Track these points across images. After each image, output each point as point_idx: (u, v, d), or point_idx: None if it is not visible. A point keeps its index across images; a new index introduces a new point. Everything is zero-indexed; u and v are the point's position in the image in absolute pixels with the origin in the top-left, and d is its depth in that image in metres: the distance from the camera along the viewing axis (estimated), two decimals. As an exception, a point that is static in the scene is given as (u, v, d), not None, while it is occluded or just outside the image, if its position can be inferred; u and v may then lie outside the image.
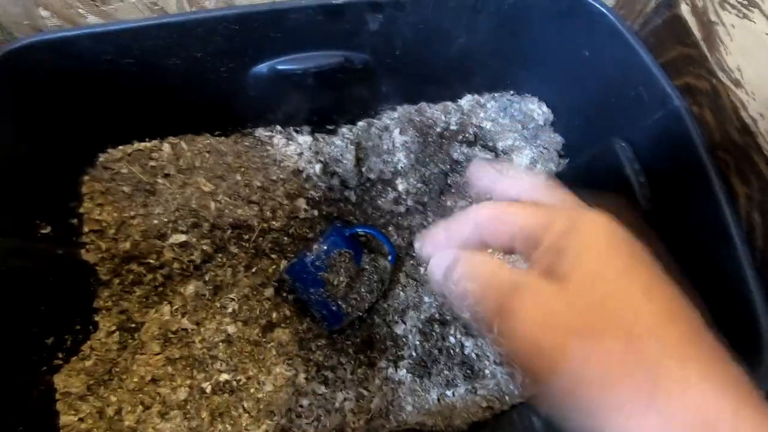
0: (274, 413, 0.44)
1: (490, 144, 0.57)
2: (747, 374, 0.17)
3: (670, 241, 0.40)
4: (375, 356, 0.49)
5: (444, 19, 0.46)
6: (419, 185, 0.55)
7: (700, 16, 0.45)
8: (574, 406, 0.18)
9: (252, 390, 0.45)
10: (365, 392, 0.47)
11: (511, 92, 0.57)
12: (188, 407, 0.41)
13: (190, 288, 0.48)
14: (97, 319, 0.43)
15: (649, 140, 0.42)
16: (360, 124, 0.56)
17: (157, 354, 0.43)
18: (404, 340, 0.49)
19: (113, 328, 0.43)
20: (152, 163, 0.49)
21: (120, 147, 0.48)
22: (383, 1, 0.42)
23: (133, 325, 0.45)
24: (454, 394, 0.45)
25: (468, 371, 0.47)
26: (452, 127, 0.56)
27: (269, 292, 0.51)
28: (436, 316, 0.50)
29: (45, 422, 0.37)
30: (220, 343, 0.46)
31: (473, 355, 0.47)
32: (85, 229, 0.45)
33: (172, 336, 0.45)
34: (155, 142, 0.49)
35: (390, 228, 0.55)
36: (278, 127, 0.54)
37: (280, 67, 0.45)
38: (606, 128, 0.47)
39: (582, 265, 0.19)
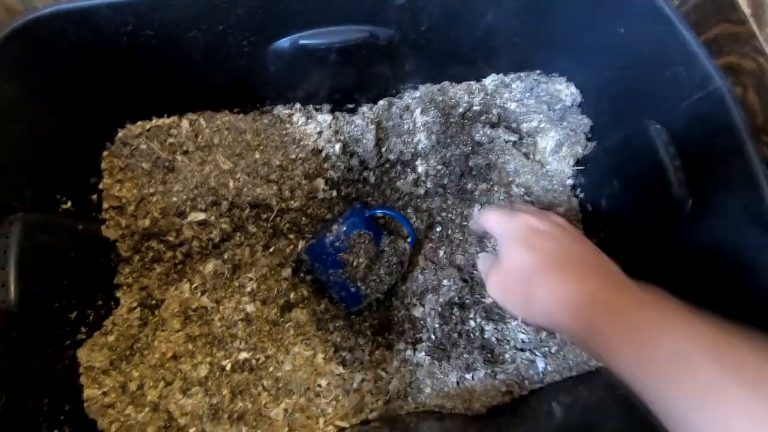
0: (292, 392, 0.44)
1: (514, 125, 0.55)
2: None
3: (709, 235, 0.39)
4: (393, 338, 0.49)
5: (472, -7, 0.44)
6: (439, 167, 0.54)
7: (747, -9, 0.42)
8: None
9: (271, 369, 0.45)
10: (383, 374, 0.46)
11: (538, 72, 0.55)
12: (209, 384, 0.42)
13: (209, 266, 0.48)
14: (118, 295, 0.44)
15: (687, 123, 0.41)
16: (381, 103, 0.54)
17: (177, 331, 0.43)
18: (423, 322, 0.49)
19: (134, 304, 0.43)
20: (171, 140, 0.48)
21: (139, 122, 0.47)
22: (411, -28, 0.41)
23: (154, 302, 0.45)
24: (473, 378, 0.45)
25: (488, 355, 0.46)
26: (475, 108, 0.55)
27: (287, 272, 0.51)
28: (456, 299, 0.49)
29: (69, 395, 0.38)
30: (239, 322, 0.46)
31: (493, 340, 0.47)
32: (105, 205, 0.45)
33: (192, 313, 0.45)
34: (174, 118, 0.48)
35: (409, 210, 0.54)
36: (298, 105, 0.52)
37: (303, 42, 0.43)
38: (639, 110, 0.45)
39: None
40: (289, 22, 0.43)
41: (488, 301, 0.48)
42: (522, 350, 0.46)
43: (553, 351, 0.46)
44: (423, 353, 0.47)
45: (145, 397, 0.40)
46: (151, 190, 0.47)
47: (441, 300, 0.50)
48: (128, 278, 0.44)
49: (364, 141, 0.52)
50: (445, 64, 0.53)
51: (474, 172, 0.55)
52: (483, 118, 0.55)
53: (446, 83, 0.55)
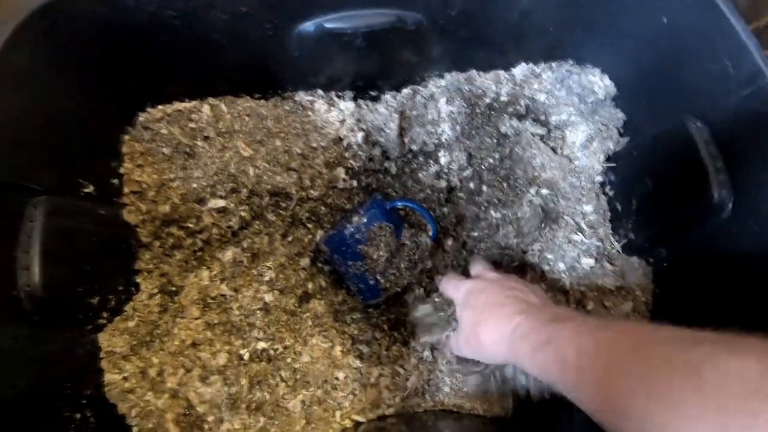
0: (310, 384, 0.44)
1: (542, 118, 0.53)
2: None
3: (750, 238, 0.37)
4: (410, 335, 0.48)
5: (507, -24, 0.42)
6: (463, 160, 0.52)
7: (802, -21, 0.39)
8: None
9: (289, 360, 0.44)
10: (401, 370, 0.46)
11: (571, 62, 0.52)
12: (228, 373, 0.41)
13: (228, 254, 0.47)
14: (138, 280, 0.43)
15: (732, 121, 0.38)
16: (405, 91, 0.53)
17: (196, 318, 0.43)
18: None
19: (155, 290, 0.43)
20: (192, 125, 0.47)
21: (160, 107, 0.46)
22: (444, -46, 0.39)
23: (174, 289, 0.45)
24: (492, 380, 0.44)
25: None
26: (502, 98, 0.53)
27: (305, 261, 0.50)
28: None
29: (91, 380, 0.38)
30: (258, 311, 0.46)
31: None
32: (126, 190, 0.44)
33: (211, 301, 0.45)
34: (195, 102, 0.48)
35: (431, 203, 0.53)
36: (320, 92, 0.51)
37: (328, 26, 0.42)
38: (678, 105, 0.43)
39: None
40: (314, 4, 0.41)
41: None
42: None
43: None
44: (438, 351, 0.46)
45: (164, 383, 0.40)
46: (172, 176, 0.46)
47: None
48: (149, 264, 0.44)
49: (387, 130, 0.51)
50: (473, 51, 0.51)
51: (498, 168, 0.53)
52: (510, 109, 0.53)
53: (473, 72, 0.53)
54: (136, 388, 0.39)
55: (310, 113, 0.50)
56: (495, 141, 0.52)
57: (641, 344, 0.26)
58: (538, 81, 0.53)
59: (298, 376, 0.43)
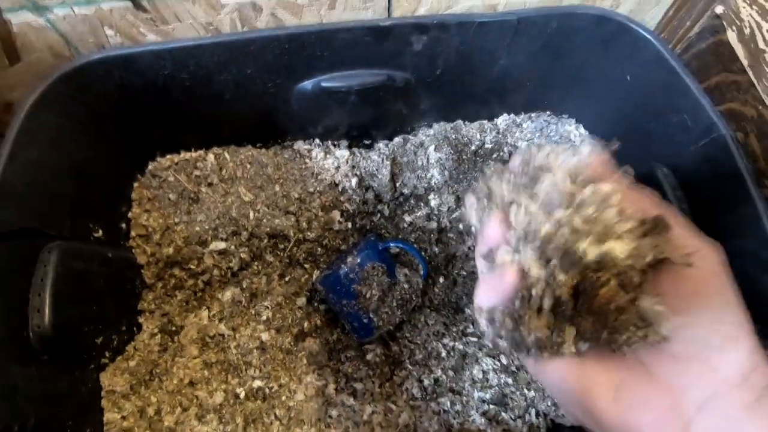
0: (304, 422, 0.45)
1: (525, 163, 0.57)
2: None
3: None
4: (403, 372, 0.50)
5: (486, 40, 0.46)
6: (452, 202, 0.55)
7: (747, 43, 0.44)
8: None
9: (283, 398, 0.45)
10: (393, 406, 0.47)
11: (548, 113, 0.57)
12: (223, 411, 0.42)
13: (228, 294, 0.49)
14: (141, 320, 0.45)
15: (693, 167, 0.42)
16: (396, 139, 0.57)
17: (195, 357, 0.45)
18: (434, 359, 0.49)
19: (156, 330, 0.45)
20: (197, 172, 0.51)
21: (168, 156, 0.50)
22: (429, 23, 0.44)
23: (174, 328, 0.47)
24: (482, 418, 0.45)
25: (498, 399, 0.46)
26: (487, 146, 0.57)
27: (302, 301, 0.52)
28: (463, 339, 0.50)
29: (91, 418, 0.39)
30: (254, 350, 0.47)
31: (502, 391, 0.47)
32: (133, 233, 0.47)
33: (209, 340, 0.47)
34: (201, 152, 0.51)
35: (422, 243, 0.56)
36: (317, 141, 0.55)
37: (324, 84, 0.46)
38: (647, 153, 0.47)
39: None
40: (312, 67, 0.46)
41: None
42: (530, 406, 0.46)
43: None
44: (431, 389, 0.47)
45: (162, 422, 0.41)
46: (176, 220, 0.49)
47: (451, 337, 0.50)
48: (151, 304, 0.46)
49: (380, 176, 0.54)
50: (458, 104, 0.55)
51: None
52: (495, 155, 0.57)
53: (459, 122, 0.57)
54: (134, 427, 0.40)
55: (307, 160, 0.54)
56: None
57: None
58: (519, 130, 0.57)
59: (293, 414, 0.44)
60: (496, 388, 0.47)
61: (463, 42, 0.46)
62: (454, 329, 0.52)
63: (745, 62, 0.44)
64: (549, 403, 0.46)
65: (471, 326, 0.52)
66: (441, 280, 0.55)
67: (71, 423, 0.37)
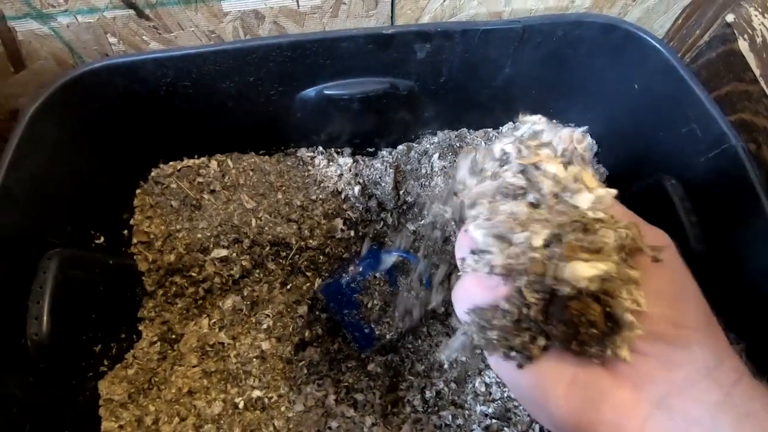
0: (303, 433, 0.44)
1: (530, 172, 0.56)
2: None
3: (723, 286, 0.38)
4: (404, 383, 0.49)
5: (490, 48, 0.46)
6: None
7: (759, 52, 0.43)
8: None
9: (283, 408, 0.45)
10: (394, 418, 0.46)
11: (554, 122, 0.56)
12: (222, 422, 0.42)
13: (228, 302, 0.49)
14: (140, 328, 0.45)
15: (702, 178, 0.41)
16: (400, 147, 0.56)
17: (194, 366, 0.44)
18: (436, 371, 0.49)
19: (155, 338, 0.45)
20: (199, 179, 0.51)
21: (171, 163, 0.50)
22: (432, 31, 0.43)
23: (174, 336, 0.46)
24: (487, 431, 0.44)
25: (501, 413, 0.45)
26: (492, 154, 0.56)
27: (303, 309, 0.52)
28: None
29: (88, 427, 0.39)
30: (254, 359, 0.47)
31: (505, 398, 0.46)
32: (134, 240, 0.47)
33: (209, 349, 0.46)
34: (203, 159, 0.51)
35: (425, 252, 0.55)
36: (320, 148, 0.55)
37: (327, 92, 0.46)
38: (655, 163, 0.46)
39: None
40: (315, 74, 0.45)
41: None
42: (534, 421, 0.45)
43: None
44: (433, 399, 0.47)
45: (159, 432, 0.41)
46: (178, 227, 0.49)
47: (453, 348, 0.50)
48: (151, 312, 0.46)
49: (383, 184, 0.54)
50: (463, 112, 0.55)
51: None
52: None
53: (464, 130, 0.57)
54: (131, 436, 0.40)
55: (310, 168, 0.54)
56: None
57: None
58: (525, 138, 0.56)
59: (292, 425, 0.44)
60: (499, 401, 0.46)
61: (467, 50, 0.45)
62: (457, 340, 0.51)
63: (756, 72, 0.43)
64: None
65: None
66: (444, 290, 0.54)
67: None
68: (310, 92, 0.47)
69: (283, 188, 0.53)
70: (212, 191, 0.51)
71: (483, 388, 0.47)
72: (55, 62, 0.44)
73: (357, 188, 0.53)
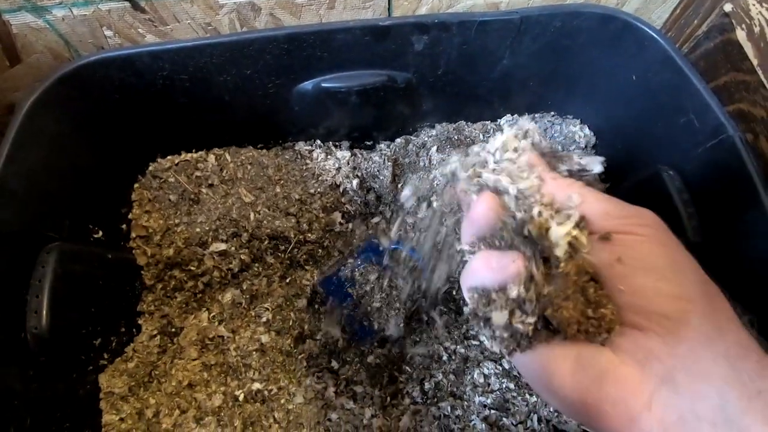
0: (303, 425, 0.44)
1: (528, 164, 0.56)
2: None
3: (720, 276, 0.38)
4: (403, 375, 0.49)
5: (488, 40, 0.46)
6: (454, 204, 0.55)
7: (757, 41, 0.43)
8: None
9: (282, 401, 0.45)
10: (394, 410, 0.46)
11: (552, 113, 0.56)
12: (222, 414, 0.42)
13: (228, 296, 0.49)
14: (140, 322, 0.45)
15: (700, 169, 0.41)
16: (398, 140, 0.56)
17: (194, 359, 0.45)
18: (435, 363, 0.49)
19: (155, 331, 0.45)
20: (198, 173, 0.51)
21: (169, 157, 0.50)
22: (429, 22, 0.43)
23: (173, 330, 0.46)
24: (483, 423, 0.44)
25: (499, 404, 0.46)
26: (490, 146, 0.56)
27: (302, 303, 0.52)
28: (464, 342, 0.49)
29: (89, 420, 0.39)
30: (254, 352, 0.47)
31: (504, 389, 0.47)
32: (133, 234, 0.47)
33: (209, 342, 0.46)
34: (201, 153, 0.51)
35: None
36: (318, 142, 0.55)
37: (324, 85, 0.46)
38: (653, 155, 0.46)
39: None
40: (312, 67, 0.45)
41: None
42: (532, 411, 0.45)
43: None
44: (432, 392, 0.47)
45: (160, 424, 0.41)
46: (177, 221, 0.49)
47: (453, 339, 0.50)
48: (150, 306, 0.46)
49: (381, 177, 0.54)
50: (461, 104, 0.55)
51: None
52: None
53: (462, 122, 0.57)
54: (132, 429, 0.40)
55: (308, 161, 0.54)
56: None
57: None
58: (523, 130, 0.56)
59: (291, 418, 0.44)
60: (498, 392, 0.46)
61: (464, 41, 0.45)
62: (456, 332, 0.51)
63: (754, 61, 0.43)
64: (551, 409, 0.45)
65: (474, 329, 0.51)
66: (443, 282, 0.54)
67: (69, 425, 0.37)
68: (308, 85, 0.47)
69: (282, 182, 0.53)
70: (210, 185, 0.51)
71: (482, 379, 0.47)
72: (50, 56, 0.43)
73: (355, 181, 0.53)
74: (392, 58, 0.46)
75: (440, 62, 0.47)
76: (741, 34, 0.44)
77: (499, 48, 0.47)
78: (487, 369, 0.47)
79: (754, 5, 0.43)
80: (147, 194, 0.49)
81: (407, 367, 0.49)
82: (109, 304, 0.42)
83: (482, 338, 0.23)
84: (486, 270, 0.23)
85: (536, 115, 0.56)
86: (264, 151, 0.53)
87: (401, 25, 0.42)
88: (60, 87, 0.39)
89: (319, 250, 0.54)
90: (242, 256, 0.50)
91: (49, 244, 0.37)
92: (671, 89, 0.43)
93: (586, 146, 0.54)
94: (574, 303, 0.21)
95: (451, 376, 0.48)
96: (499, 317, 0.22)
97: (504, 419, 0.45)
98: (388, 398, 0.47)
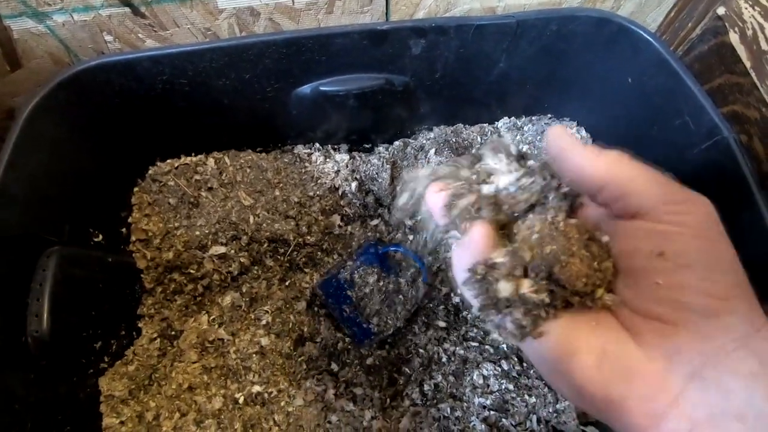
0: (303, 428, 0.44)
1: (526, 166, 0.57)
2: None
3: None
4: (403, 377, 0.49)
5: (485, 44, 0.46)
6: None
7: (750, 44, 0.44)
8: None
9: (282, 403, 0.45)
10: (394, 412, 0.47)
11: (549, 116, 0.57)
12: (222, 417, 0.42)
13: (227, 299, 0.49)
14: (140, 325, 0.45)
15: (695, 171, 0.41)
16: (396, 143, 0.57)
17: (194, 362, 0.45)
18: (435, 364, 0.49)
19: (155, 335, 0.45)
20: (197, 177, 0.51)
21: (168, 160, 0.50)
22: (427, 26, 0.43)
23: (173, 333, 0.47)
24: (482, 424, 0.44)
25: (498, 405, 0.46)
26: (488, 149, 0.57)
27: (301, 305, 0.52)
28: (464, 344, 0.50)
29: (89, 424, 0.39)
30: (254, 355, 0.47)
31: (503, 390, 0.47)
32: (133, 238, 0.47)
33: (208, 345, 0.46)
34: (201, 156, 0.51)
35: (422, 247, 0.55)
36: (317, 145, 0.55)
37: (323, 89, 0.46)
38: (648, 157, 0.46)
39: None
40: (310, 71, 0.46)
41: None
42: (531, 412, 0.46)
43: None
44: (431, 393, 0.47)
45: (160, 427, 0.41)
46: (176, 224, 0.49)
47: (451, 341, 0.50)
48: (150, 309, 0.46)
49: (380, 180, 0.54)
50: (458, 107, 0.55)
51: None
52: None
53: (460, 125, 0.57)
54: (132, 432, 0.40)
55: (307, 164, 0.54)
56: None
57: None
58: (520, 133, 0.57)
59: (291, 420, 0.44)
60: (497, 393, 0.46)
61: (461, 45, 0.46)
62: (455, 334, 0.51)
63: (747, 64, 0.43)
64: (550, 410, 0.45)
65: (473, 330, 0.52)
66: (440, 285, 0.54)
67: (69, 428, 0.37)
68: (306, 89, 0.47)
69: (281, 185, 0.53)
70: (210, 189, 0.51)
71: (481, 381, 0.47)
72: (51, 61, 0.44)
73: (354, 184, 0.54)
74: (390, 61, 0.46)
75: (437, 66, 0.48)
76: (734, 37, 0.45)
77: (496, 51, 0.48)
78: (487, 370, 0.48)
79: (746, 9, 0.44)
80: (147, 198, 0.49)
81: (407, 369, 0.49)
82: (109, 308, 0.42)
83: (495, 333, 0.23)
84: (466, 251, 0.23)
85: (533, 118, 0.57)
86: (263, 154, 0.54)
87: (399, 30, 0.43)
88: (60, 92, 0.39)
89: (318, 253, 0.55)
90: (242, 259, 0.51)
91: (49, 247, 0.37)
92: (666, 91, 0.44)
93: (582, 148, 0.55)
94: (581, 258, 0.21)
95: (451, 378, 0.48)
96: (506, 287, 0.21)
97: (503, 420, 0.45)
98: (388, 400, 0.47)
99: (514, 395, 0.46)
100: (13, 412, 0.32)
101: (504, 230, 0.24)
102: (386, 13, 0.49)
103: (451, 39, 0.45)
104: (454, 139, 0.56)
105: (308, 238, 0.53)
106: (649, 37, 0.43)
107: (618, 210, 0.22)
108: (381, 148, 0.56)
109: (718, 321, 0.19)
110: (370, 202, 0.55)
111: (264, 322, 0.50)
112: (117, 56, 0.40)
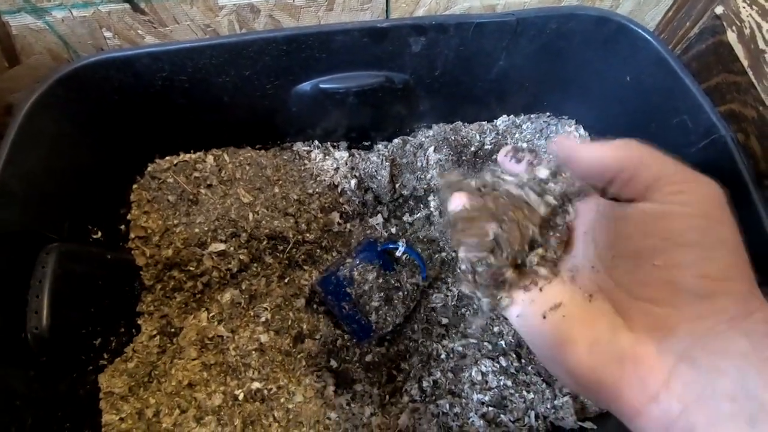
0: (302, 424, 0.44)
1: (525, 164, 0.57)
2: None
3: None
4: (403, 374, 0.49)
5: (485, 42, 0.46)
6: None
7: (748, 43, 0.44)
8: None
9: (282, 400, 0.45)
10: (393, 408, 0.47)
11: (548, 114, 0.57)
12: (222, 413, 0.42)
13: (227, 296, 0.49)
14: (140, 322, 0.45)
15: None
16: (395, 141, 0.57)
17: (194, 359, 0.45)
18: (433, 361, 0.49)
19: (154, 332, 0.45)
20: (196, 174, 0.51)
21: (167, 157, 0.50)
22: (426, 24, 0.43)
23: (173, 330, 0.47)
24: (481, 420, 0.45)
25: (497, 401, 0.46)
26: (487, 147, 0.57)
27: (300, 302, 0.52)
28: (463, 341, 0.50)
29: (89, 420, 0.39)
30: (253, 352, 0.47)
31: (501, 386, 0.47)
32: (132, 235, 0.47)
33: (208, 342, 0.46)
34: (200, 153, 0.51)
35: (421, 245, 0.56)
36: (316, 142, 0.55)
37: (323, 86, 0.46)
38: (646, 154, 0.46)
39: None
40: (310, 68, 0.46)
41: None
42: (529, 408, 0.46)
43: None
44: (430, 390, 0.47)
45: (160, 424, 0.41)
46: (175, 222, 0.49)
47: (453, 339, 0.50)
48: (150, 306, 0.46)
49: (379, 177, 0.54)
50: (457, 105, 0.55)
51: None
52: (494, 156, 0.56)
53: (459, 123, 0.57)
54: (132, 428, 0.40)
55: (306, 162, 0.54)
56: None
57: None
58: (519, 131, 0.57)
59: (291, 417, 0.44)
60: (495, 390, 0.47)
61: (461, 43, 0.46)
62: (454, 331, 0.51)
63: (745, 63, 0.43)
64: (548, 406, 0.46)
65: (471, 327, 0.52)
66: (439, 282, 0.55)
67: (69, 425, 0.37)
68: (306, 86, 0.47)
69: (280, 182, 0.53)
70: (209, 186, 0.51)
71: (479, 377, 0.47)
72: (50, 57, 0.43)
73: (353, 182, 0.54)
74: (390, 59, 0.46)
75: (437, 63, 0.48)
76: (732, 36, 0.45)
77: (496, 49, 0.48)
78: (485, 367, 0.48)
79: (744, 8, 0.44)
80: (146, 195, 0.49)
81: (405, 366, 0.50)
82: (108, 305, 0.42)
83: (465, 288, 0.25)
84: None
85: (532, 116, 0.57)
86: (262, 151, 0.54)
87: (399, 27, 0.43)
88: (59, 88, 0.39)
89: (318, 250, 0.55)
90: (241, 257, 0.51)
91: (48, 244, 0.37)
92: (664, 90, 0.44)
93: (581, 146, 0.55)
94: (518, 222, 0.24)
95: (449, 374, 0.48)
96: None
97: (502, 416, 0.45)
98: (387, 396, 0.48)
99: (512, 391, 0.47)
100: (12, 408, 0.32)
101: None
102: (386, 11, 0.49)
103: (451, 37, 0.45)
104: (453, 137, 0.56)
105: (307, 235, 0.53)
106: (647, 36, 0.44)
107: (629, 192, 0.22)
108: (380, 146, 0.56)
109: (712, 302, 0.19)
110: (369, 199, 0.55)
111: (263, 319, 0.50)
112: (116, 53, 0.40)
